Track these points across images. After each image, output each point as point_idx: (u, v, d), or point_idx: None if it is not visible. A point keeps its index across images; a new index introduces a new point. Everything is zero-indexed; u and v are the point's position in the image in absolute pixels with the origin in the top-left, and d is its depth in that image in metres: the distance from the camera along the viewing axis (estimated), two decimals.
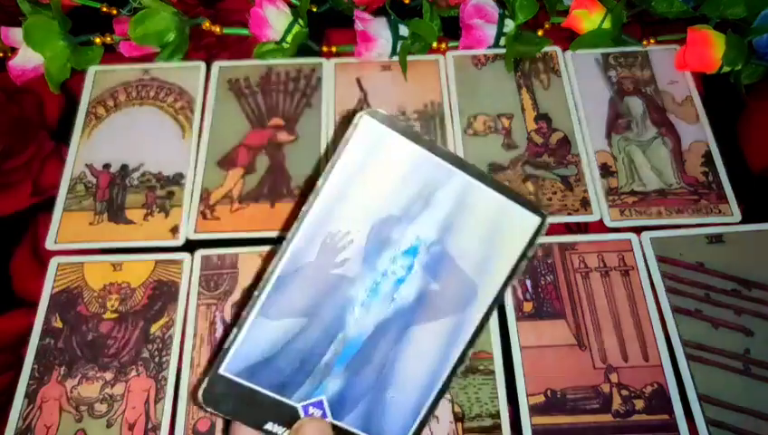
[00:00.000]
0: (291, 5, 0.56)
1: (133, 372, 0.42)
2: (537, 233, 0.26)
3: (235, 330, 0.25)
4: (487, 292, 0.26)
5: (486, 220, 0.25)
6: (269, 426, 0.25)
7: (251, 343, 0.25)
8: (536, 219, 0.26)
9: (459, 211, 0.25)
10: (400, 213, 0.24)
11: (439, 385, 0.26)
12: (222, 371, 0.25)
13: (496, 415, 0.40)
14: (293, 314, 0.25)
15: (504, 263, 0.26)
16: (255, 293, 0.25)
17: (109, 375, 0.42)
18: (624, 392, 0.41)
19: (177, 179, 0.50)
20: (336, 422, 0.26)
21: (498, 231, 0.25)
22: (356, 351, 0.25)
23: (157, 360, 0.42)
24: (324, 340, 0.25)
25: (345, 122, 0.20)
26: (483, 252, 0.25)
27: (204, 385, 0.25)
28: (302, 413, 0.25)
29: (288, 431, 0.25)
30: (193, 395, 0.36)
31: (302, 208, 0.24)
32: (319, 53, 0.56)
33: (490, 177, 0.25)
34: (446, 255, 0.25)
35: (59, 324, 0.44)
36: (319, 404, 0.25)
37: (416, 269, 0.25)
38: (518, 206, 0.25)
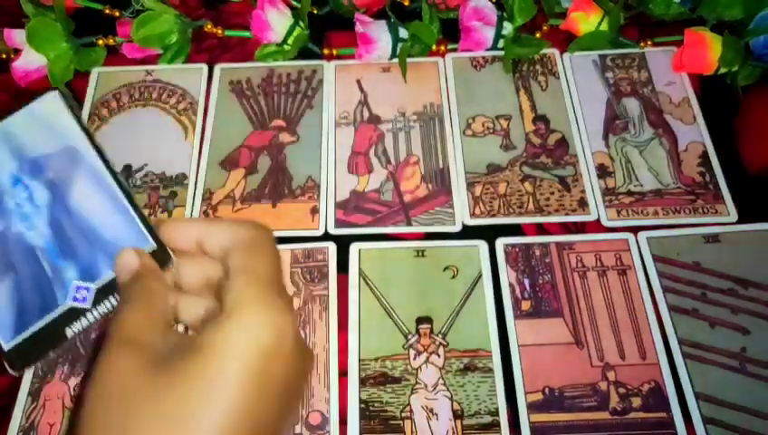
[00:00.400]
0: (292, 8, 0.56)
1: None
2: (65, 101, 0.35)
3: None
4: (82, 145, 0.35)
5: (34, 127, 0.35)
6: (69, 332, 0.31)
7: (1, 311, 0.32)
8: (54, 95, 0.35)
9: (12, 140, 0.34)
10: None
11: (125, 201, 0.34)
12: (5, 346, 0.30)
13: (495, 412, 0.41)
14: (1, 275, 0.32)
15: (72, 131, 0.35)
16: None
17: None
18: (621, 390, 0.41)
19: (180, 180, 0.50)
20: (97, 284, 0.32)
21: (46, 124, 0.35)
22: (56, 244, 0.33)
23: None
24: (34, 263, 0.33)
25: None
26: (52, 139, 0.35)
27: (7, 363, 0.30)
28: (73, 304, 0.31)
29: (93, 307, 0.31)
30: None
31: None
32: (320, 56, 0.57)
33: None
34: (34, 161, 0.34)
35: None
36: (78, 288, 0.32)
37: (30, 183, 0.34)
38: (33, 105, 0.35)
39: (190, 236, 0.31)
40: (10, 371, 0.30)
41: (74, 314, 0.31)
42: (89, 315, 0.32)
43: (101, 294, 0.32)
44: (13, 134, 0.35)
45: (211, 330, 0.25)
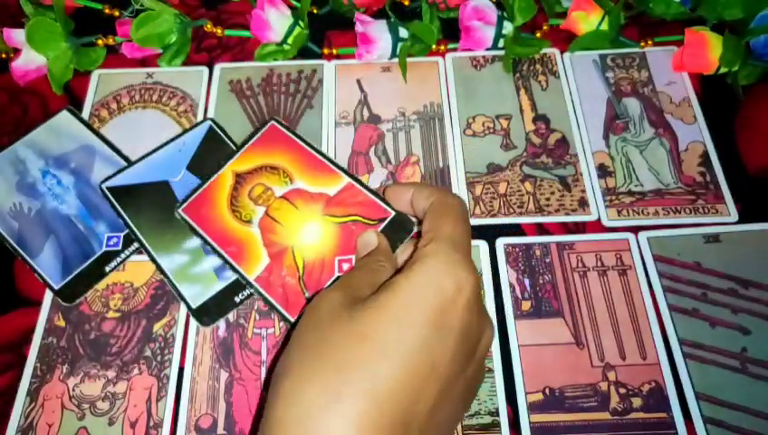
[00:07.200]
0: (292, 8, 0.56)
1: (135, 371, 0.42)
2: (75, 115, 0.52)
3: (36, 273, 0.45)
4: (95, 142, 0.50)
5: (54, 136, 0.51)
6: (107, 269, 0.45)
7: (48, 267, 0.45)
8: (65, 112, 0.52)
9: (37, 147, 0.50)
10: (27, 167, 0.49)
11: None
12: (56, 286, 0.45)
13: (495, 413, 0.41)
14: (44, 239, 0.46)
15: (85, 134, 0.51)
16: (16, 253, 0.46)
17: (111, 373, 0.42)
18: (622, 390, 0.41)
19: None
20: (124, 233, 0.46)
21: (63, 133, 0.51)
22: (86, 210, 0.47)
23: (159, 358, 0.43)
24: (71, 227, 0.47)
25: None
26: (70, 141, 0.51)
27: (60, 298, 0.44)
28: (108, 249, 0.45)
29: (123, 249, 0.46)
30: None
31: None
32: (320, 55, 0.57)
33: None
34: (57, 157, 0.50)
35: (62, 323, 0.44)
36: (109, 237, 0.46)
37: (57, 173, 0.49)
38: (50, 121, 0.52)
39: (405, 198, 0.38)
40: (64, 303, 0.44)
41: (110, 256, 0.45)
42: (122, 255, 0.46)
43: (128, 240, 0.46)
44: (37, 143, 0.50)
45: (400, 275, 0.29)
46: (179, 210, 0.44)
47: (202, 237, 0.43)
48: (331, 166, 0.45)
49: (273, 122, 0.47)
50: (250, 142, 0.47)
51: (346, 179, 0.44)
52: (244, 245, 0.43)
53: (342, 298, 0.29)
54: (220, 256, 0.43)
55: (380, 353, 0.26)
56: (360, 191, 0.43)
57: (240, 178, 0.45)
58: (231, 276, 0.44)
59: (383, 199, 0.42)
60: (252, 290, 0.42)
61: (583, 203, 0.48)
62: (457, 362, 0.28)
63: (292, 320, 0.40)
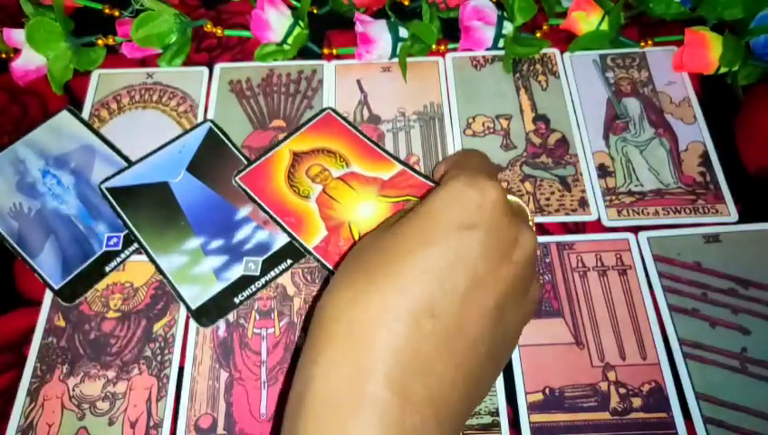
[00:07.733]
0: (292, 8, 0.56)
1: (135, 371, 0.42)
2: (76, 115, 0.52)
3: (36, 273, 0.45)
4: (95, 142, 0.50)
5: (54, 135, 0.51)
6: (107, 269, 0.45)
7: (48, 267, 0.45)
8: (65, 112, 0.52)
9: (37, 147, 0.50)
10: (25, 167, 0.49)
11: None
12: (56, 287, 0.44)
13: (495, 413, 0.41)
14: (44, 239, 0.46)
15: (85, 134, 0.51)
16: (16, 253, 0.46)
17: (111, 373, 0.42)
18: (622, 390, 0.41)
19: None
20: (124, 233, 0.46)
21: (63, 132, 0.51)
22: (86, 211, 0.47)
23: (159, 358, 0.43)
24: (71, 227, 0.46)
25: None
26: (70, 141, 0.51)
27: (60, 298, 0.44)
28: (108, 249, 0.45)
29: (123, 249, 0.45)
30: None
31: None
32: (320, 55, 0.57)
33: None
34: (58, 157, 0.50)
35: (62, 323, 0.44)
36: (109, 237, 0.46)
37: (57, 173, 0.49)
38: (50, 121, 0.52)
39: (442, 171, 0.41)
40: (64, 303, 0.44)
41: (110, 256, 0.45)
42: (122, 255, 0.46)
43: (128, 240, 0.46)
44: (37, 142, 0.50)
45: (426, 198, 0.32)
46: (236, 178, 0.47)
47: (260, 206, 0.45)
48: (385, 154, 0.48)
49: (328, 111, 0.50)
50: (306, 126, 0.50)
51: (399, 166, 0.47)
52: (302, 217, 0.45)
53: (377, 231, 0.33)
54: (279, 225, 0.45)
55: (400, 255, 0.29)
56: (411, 176, 0.46)
57: (297, 157, 0.48)
58: (230, 277, 0.44)
59: (433, 181, 0.46)
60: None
61: (583, 203, 0.48)
62: (489, 258, 0.29)
63: None
